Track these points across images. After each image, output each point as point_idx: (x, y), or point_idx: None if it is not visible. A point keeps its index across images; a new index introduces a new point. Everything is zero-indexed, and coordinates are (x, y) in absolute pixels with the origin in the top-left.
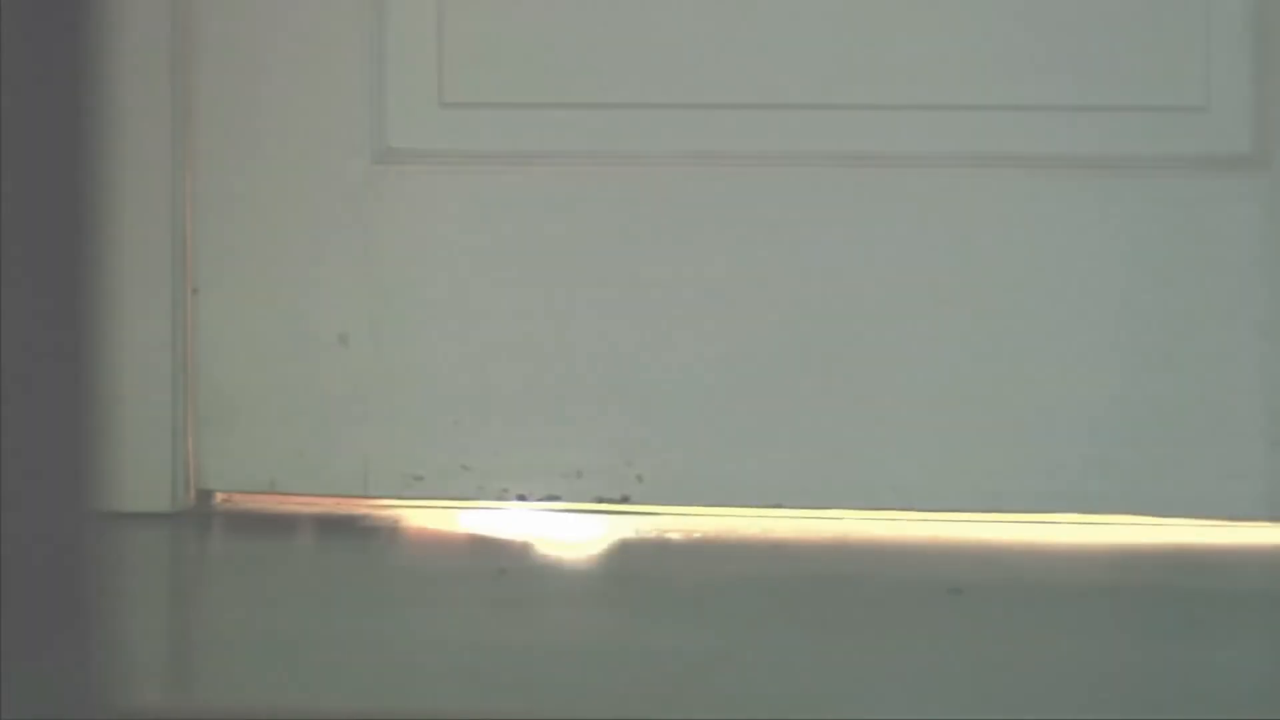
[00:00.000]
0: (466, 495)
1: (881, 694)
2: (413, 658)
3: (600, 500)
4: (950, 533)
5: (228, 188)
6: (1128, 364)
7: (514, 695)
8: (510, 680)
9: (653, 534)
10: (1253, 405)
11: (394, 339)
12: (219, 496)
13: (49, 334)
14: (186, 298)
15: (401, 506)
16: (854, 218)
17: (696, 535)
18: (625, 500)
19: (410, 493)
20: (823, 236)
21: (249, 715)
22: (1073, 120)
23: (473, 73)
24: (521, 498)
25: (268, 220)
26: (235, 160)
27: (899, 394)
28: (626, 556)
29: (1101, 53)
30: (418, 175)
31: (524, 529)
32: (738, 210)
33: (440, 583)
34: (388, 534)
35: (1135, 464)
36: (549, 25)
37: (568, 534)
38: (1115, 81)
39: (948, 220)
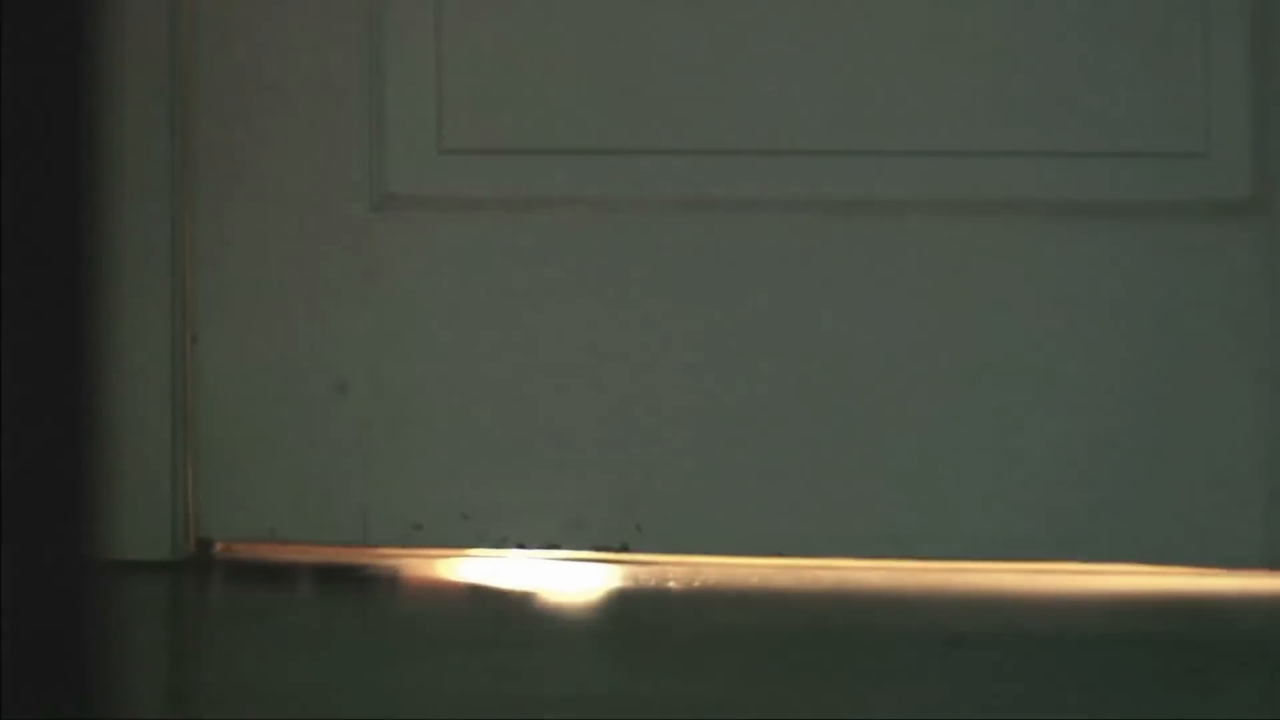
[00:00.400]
0: (466, 544)
1: None
2: (413, 709)
3: (600, 549)
4: (948, 581)
5: (227, 235)
6: (1126, 410)
7: None
8: None
9: (652, 583)
10: (1252, 453)
11: (393, 387)
12: (219, 545)
13: (48, 382)
14: (186, 345)
15: (401, 555)
16: (851, 265)
17: (695, 584)
18: (624, 549)
19: (410, 542)
20: (821, 284)
21: None
22: (1072, 166)
23: (472, 120)
24: (521, 546)
25: (267, 267)
26: (234, 207)
27: (897, 441)
28: (626, 606)
29: (1101, 99)
30: (417, 222)
31: (523, 578)
32: (736, 257)
33: (440, 633)
34: (388, 584)
35: (1133, 511)
36: (548, 73)
37: (567, 583)
38: (1114, 127)
39: (944, 267)
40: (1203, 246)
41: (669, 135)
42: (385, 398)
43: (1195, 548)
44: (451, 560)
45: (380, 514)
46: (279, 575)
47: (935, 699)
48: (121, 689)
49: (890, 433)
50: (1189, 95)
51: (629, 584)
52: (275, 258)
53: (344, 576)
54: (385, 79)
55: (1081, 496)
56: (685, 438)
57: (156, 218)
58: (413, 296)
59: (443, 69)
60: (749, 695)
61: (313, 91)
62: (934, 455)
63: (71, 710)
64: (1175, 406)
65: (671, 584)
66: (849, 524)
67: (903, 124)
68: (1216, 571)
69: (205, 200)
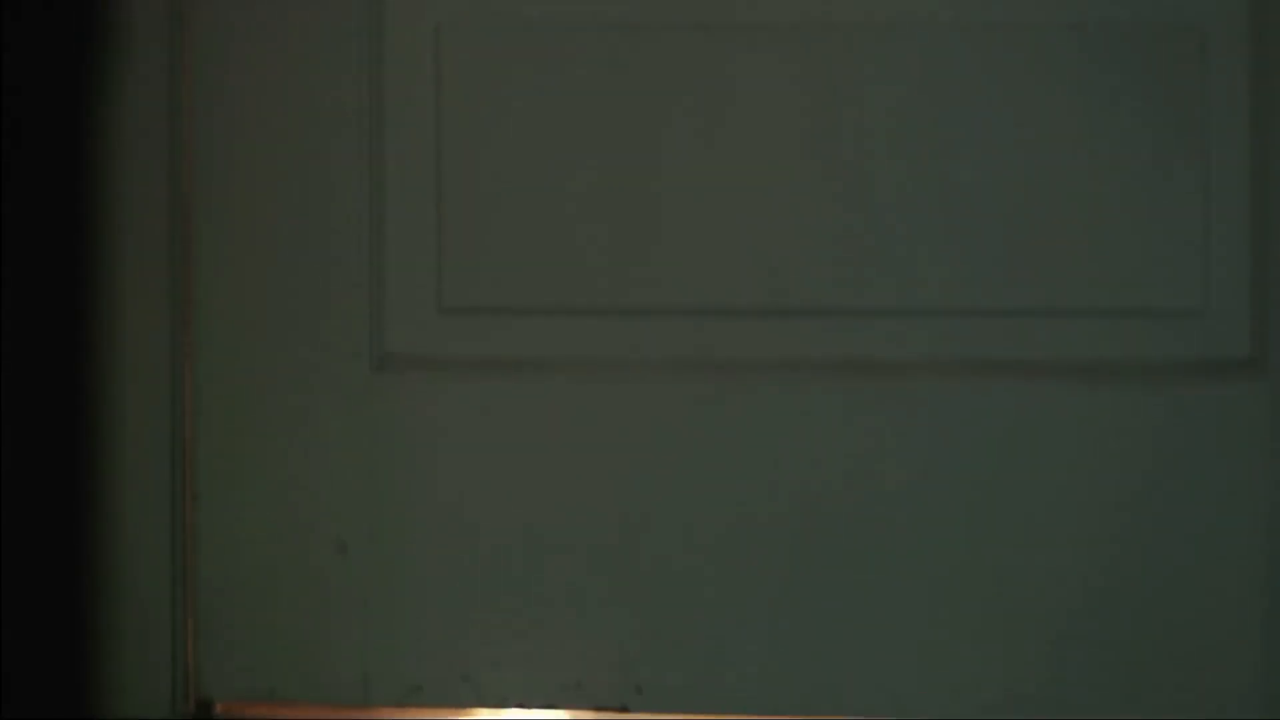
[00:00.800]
0: (466, 704)
1: None
2: None
3: (599, 709)
4: None
5: (227, 393)
6: (1123, 568)
7: None
8: None
9: None
10: (1250, 610)
11: (394, 546)
12: (219, 705)
13: (50, 541)
14: (186, 504)
15: (402, 715)
16: (852, 423)
17: None
18: (624, 709)
19: (410, 701)
20: (821, 443)
21: None
22: (1072, 325)
23: (471, 279)
24: (521, 706)
25: (267, 426)
26: (234, 366)
27: (895, 600)
28: None
29: (1101, 256)
30: (417, 381)
31: None
32: (737, 417)
33: None
34: None
35: (1132, 667)
36: (548, 231)
37: None
38: (1114, 285)
39: (944, 425)
40: (1202, 404)
41: (668, 295)
42: (385, 557)
43: (1194, 702)
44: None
45: (381, 674)
46: None
47: None
48: None
49: (889, 592)
50: (1188, 252)
51: None
52: (275, 416)
53: None
54: (385, 238)
55: (1081, 654)
56: (684, 598)
57: (156, 375)
58: (412, 456)
59: (443, 229)
60: None
61: (313, 251)
62: (934, 614)
63: None
64: (1173, 563)
65: None
66: (847, 682)
67: (900, 283)
68: None
69: (205, 356)
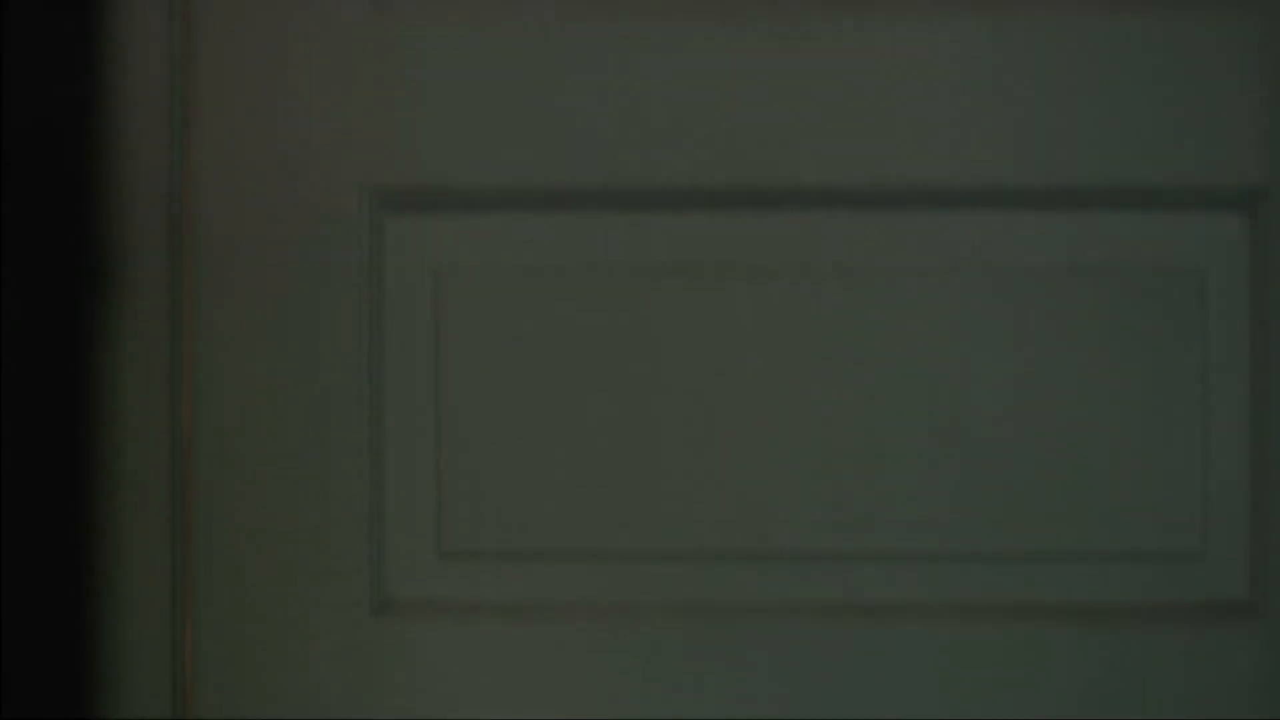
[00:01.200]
0: None
1: None
2: None
3: None
4: None
5: (225, 637)
6: None
7: None
8: None
9: None
10: None
11: None
12: None
13: None
14: None
15: None
16: (848, 667)
17: None
18: None
19: None
20: (817, 687)
21: None
22: (1068, 567)
23: (471, 523)
24: None
25: (267, 669)
26: (233, 610)
27: None
28: None
29: (1098, 498)
30: (416, 624)
31: None
32: (733, 661)
33: None
34: None
35: None
36: (545, 475)
37: None
38: (1111, 527)
39: (936, 668)
40: (1199, 647)
41: (665, 539)
42: None
43: None
44: None
45: None
46: None
47: None
48: None
49: None
50: (1186, 495)
51: None
52: (275, 659)
53: None
54: (385, 484)
55: None
56: None
57: (157, 622)
58: (413, 700)
59: (442, 473)
60: None
61: (312, 496)
62: None
63: None
64: None
65: None
66: None
67: (892, 526)
68: None
69: (204, 599)
